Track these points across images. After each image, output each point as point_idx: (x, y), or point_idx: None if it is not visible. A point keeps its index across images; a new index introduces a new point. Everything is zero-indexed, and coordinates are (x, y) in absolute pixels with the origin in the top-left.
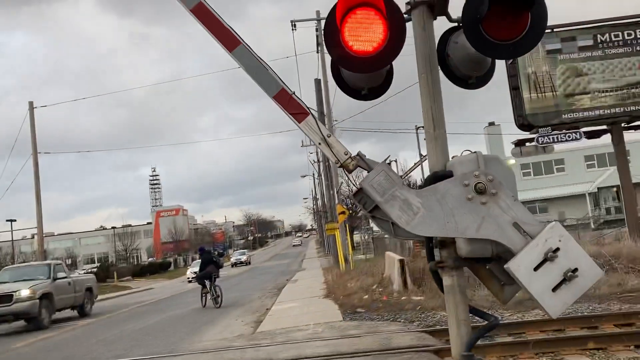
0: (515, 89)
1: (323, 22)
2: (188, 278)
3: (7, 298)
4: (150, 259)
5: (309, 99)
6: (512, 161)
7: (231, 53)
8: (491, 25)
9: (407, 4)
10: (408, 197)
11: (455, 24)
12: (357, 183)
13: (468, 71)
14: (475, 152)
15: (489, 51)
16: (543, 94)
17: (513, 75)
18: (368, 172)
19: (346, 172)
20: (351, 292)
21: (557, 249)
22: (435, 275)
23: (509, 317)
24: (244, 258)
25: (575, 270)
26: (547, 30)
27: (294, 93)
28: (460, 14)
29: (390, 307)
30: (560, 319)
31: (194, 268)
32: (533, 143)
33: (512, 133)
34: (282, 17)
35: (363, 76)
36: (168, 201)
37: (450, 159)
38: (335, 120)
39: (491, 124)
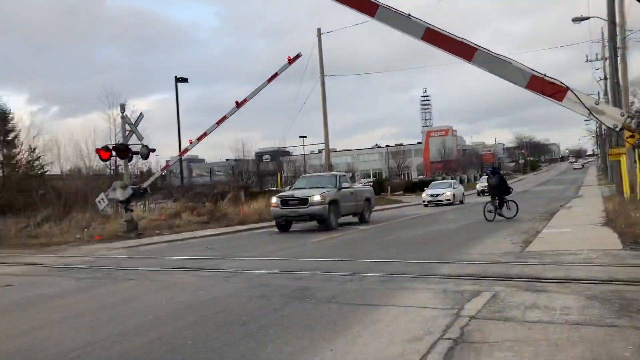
0: None
1: None
2: (477, 190)
3: (304, 201)
4: (419, 177)
5: (599, 5)
6: None
7: (471, 62)
8: None
9: None
10: None
11: None
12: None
13: None
14: None
15: None
16: None
17: None
18: None
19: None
20: (635, 222)
21: None
22: None
23: None
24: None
25: None
26: None
27: (545, 75)
28: None
29: None
30: None
31: (481, 183)
32: None
33: None
34: None
35: None
36: (438, 121)
37: None
38: (630, 31)
39: None
